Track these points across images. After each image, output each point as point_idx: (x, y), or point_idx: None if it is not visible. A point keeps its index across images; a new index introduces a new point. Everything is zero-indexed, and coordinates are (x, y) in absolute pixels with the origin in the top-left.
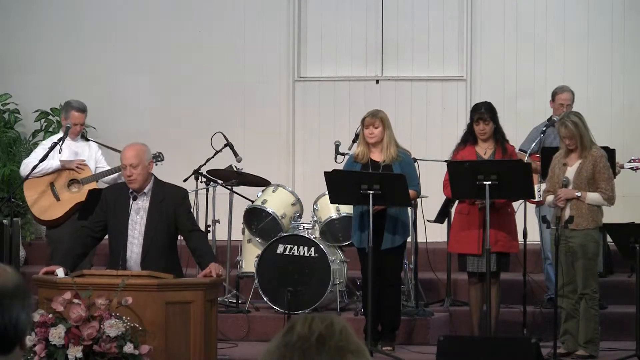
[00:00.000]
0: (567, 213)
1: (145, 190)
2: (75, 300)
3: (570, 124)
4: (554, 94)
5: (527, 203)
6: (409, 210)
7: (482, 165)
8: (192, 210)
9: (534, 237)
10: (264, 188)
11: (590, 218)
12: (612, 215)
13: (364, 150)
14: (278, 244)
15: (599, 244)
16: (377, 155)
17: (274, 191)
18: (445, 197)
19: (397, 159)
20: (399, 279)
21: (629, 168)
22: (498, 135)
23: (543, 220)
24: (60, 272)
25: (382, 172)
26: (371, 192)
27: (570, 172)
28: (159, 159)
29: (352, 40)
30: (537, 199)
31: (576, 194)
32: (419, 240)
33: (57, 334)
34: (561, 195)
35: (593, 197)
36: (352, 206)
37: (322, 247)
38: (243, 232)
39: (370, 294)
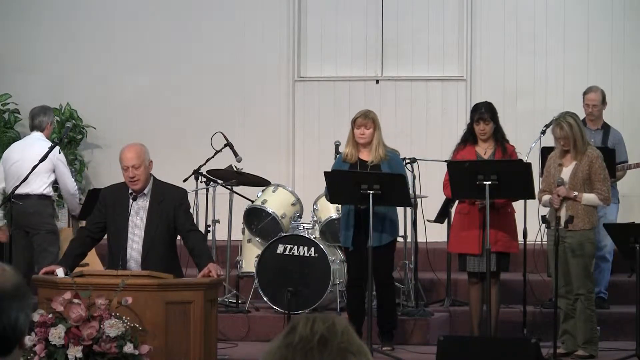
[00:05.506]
0: (564, 213)
1: (145, 191)
2: (75, 300)
3: (565, 126)
4: (583, 95)
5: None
6: (409, 209)
7: (482, 165)
8: (191, 210)
9: (533, 237)
10: (264, 188)
11: (587, 219)
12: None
13: (352, 151)
14: (278, 244)
15: (595, 245)
16: (365, 155)
17: (274, 191)
18: (445, 197)
19: (386, 159)
20: (390, 278)
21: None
22: (498, 135)
23: (542, 220)
24: (60, 272)
25: (377, 172)
26: (371, 192)
27: (566, 172)
28: None
29: (352, 40)
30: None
31: (573, 194)
32: (419, 240)
33: (57, 334)
34: (560, 194)
35: (589, 197)
36: None
37: (322, 247)
38: (243, 232)
39: (370, 294)
